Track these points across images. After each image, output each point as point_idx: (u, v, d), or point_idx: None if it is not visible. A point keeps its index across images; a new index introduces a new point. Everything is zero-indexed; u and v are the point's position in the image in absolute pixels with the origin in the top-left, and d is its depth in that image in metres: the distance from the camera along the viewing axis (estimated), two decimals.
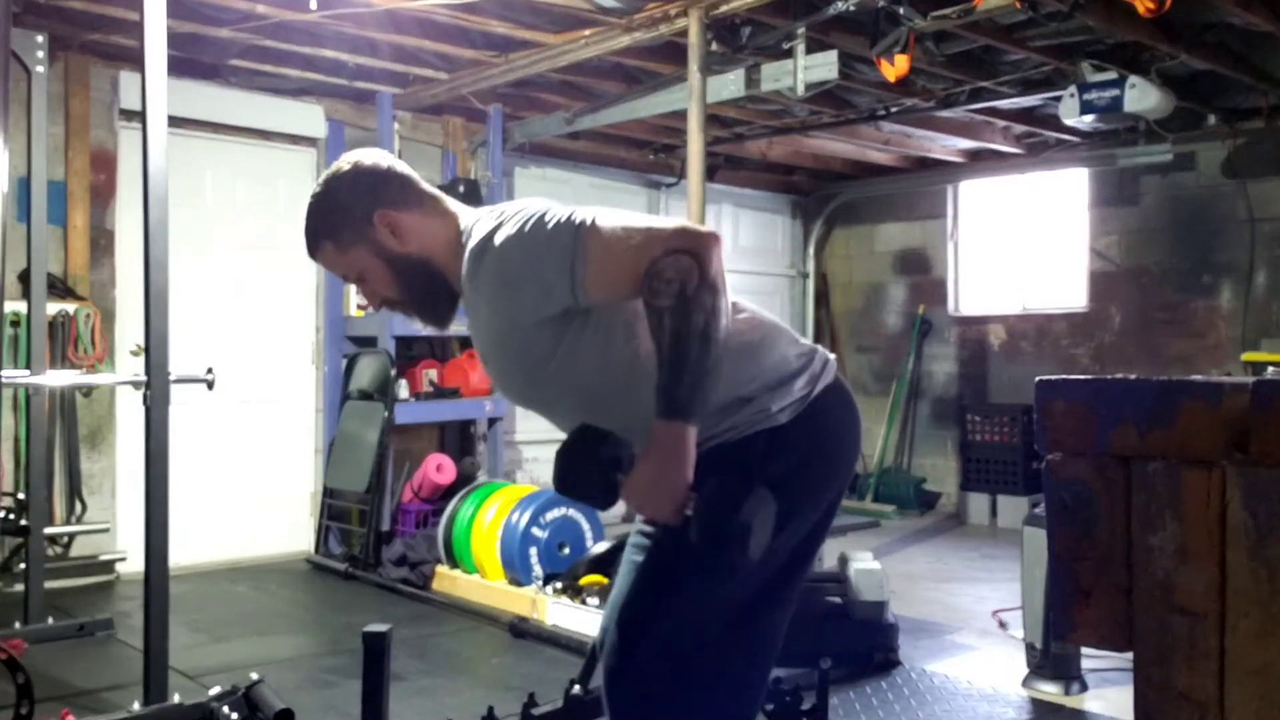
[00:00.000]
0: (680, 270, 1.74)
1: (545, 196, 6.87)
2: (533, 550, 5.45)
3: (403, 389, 6.60)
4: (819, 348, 2.09)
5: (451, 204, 2.08)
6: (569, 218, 1.84)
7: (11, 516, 3.46)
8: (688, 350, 1.72)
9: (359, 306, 6.82)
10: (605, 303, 1.86)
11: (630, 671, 1.95)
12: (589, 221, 1.82)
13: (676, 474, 1.74)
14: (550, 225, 1.83)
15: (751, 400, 1.94)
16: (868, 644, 4.57)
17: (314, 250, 2.06)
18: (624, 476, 1.78)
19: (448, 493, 6.39)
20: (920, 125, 7.65)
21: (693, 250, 1.75)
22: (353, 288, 6.78)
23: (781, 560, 1.97)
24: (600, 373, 1.92)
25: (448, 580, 5.83)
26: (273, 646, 4.89)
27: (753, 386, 1.94)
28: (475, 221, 1.99)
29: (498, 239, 1.86)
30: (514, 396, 2.10)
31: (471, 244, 1.92)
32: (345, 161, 2.06)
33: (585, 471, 1.80)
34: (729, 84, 5.66)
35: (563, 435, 2.10)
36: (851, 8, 4.96)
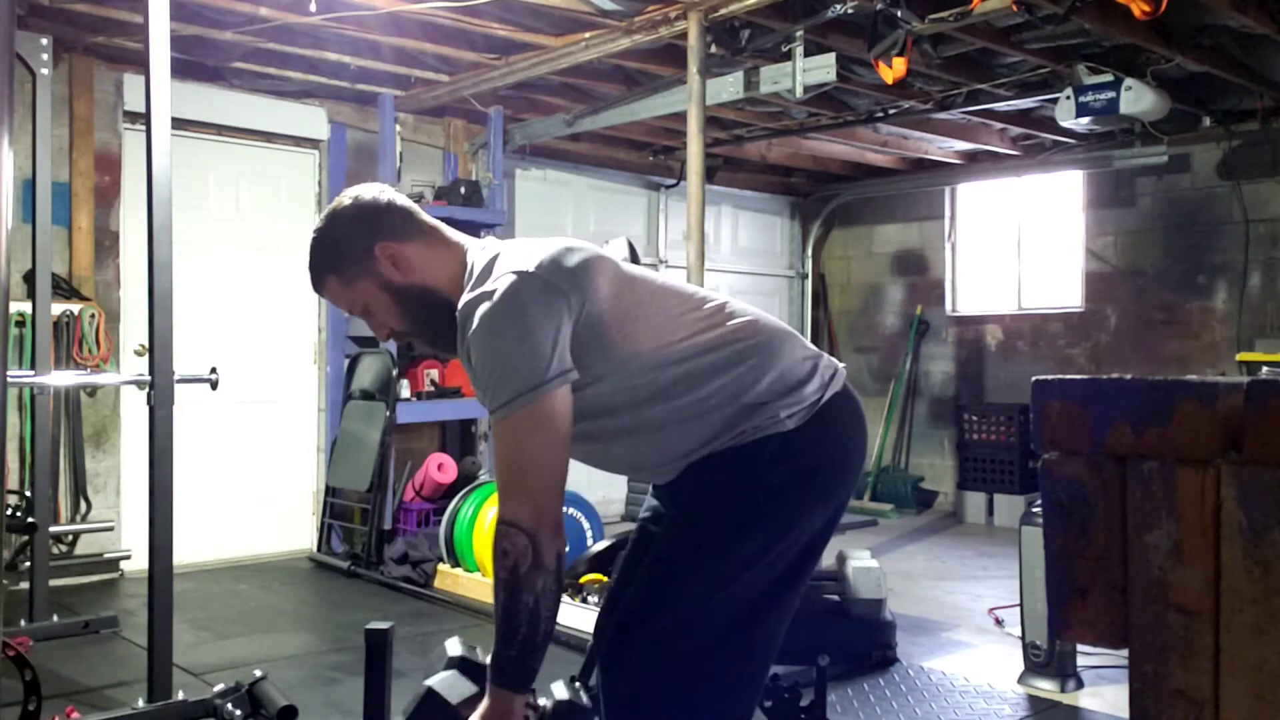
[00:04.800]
0: (516, 548, 1.81)
1: (545, 199, 6.83)
2: None
3: (404, 389, 6.61)
4: (824, 354, 2.11)
5: (454, 235, 2.10)
6: (528, 368, 1.83)
7: (19, 514, 3.47)
8: (517, 626, 1.82)
9: None
10: None
11: (628, 670, 1.97)
12: (531, 402, 1.83)
13: None
14: (514, 353, 1.84)
15: (763, 406, 1.95)
16: (866, 641, 4.59)
17: (319, 285, 2.08)
18: None
19: (449, 491, 6.41)
20: (918, 127, 7.67)
21: (531, 535, 1.81)
22: None
23: (785, 565, 1.99)
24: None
25: (449, 578, 5.86)
26: (276, 644, 4.90)
27: (759, 392, 1.95)
28: (476, 261, 2.01)
29: (476, 319, 1.87)
30: None
31: (465, 296, 1.93)
32: (346, 196, 2.08)
33: None
34: (728, 86, 5.67)
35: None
36: (849, 10, 4.98)
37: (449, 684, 1.97)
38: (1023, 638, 4.39)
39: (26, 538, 4.73)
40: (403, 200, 2.09)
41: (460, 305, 1.93)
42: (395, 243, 2.02)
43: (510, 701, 1.85)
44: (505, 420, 1.84)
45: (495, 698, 1.85)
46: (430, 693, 1.95)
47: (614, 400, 1.96)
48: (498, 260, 1.96)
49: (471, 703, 1.92)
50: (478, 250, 2.06)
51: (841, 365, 2.12)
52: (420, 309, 2.05)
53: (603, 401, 1.95)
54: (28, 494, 3.99)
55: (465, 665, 1.99)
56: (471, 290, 1.92)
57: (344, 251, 2.03)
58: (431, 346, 2.14)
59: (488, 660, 1.93)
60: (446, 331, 2.02)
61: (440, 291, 2.03)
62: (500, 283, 1.88)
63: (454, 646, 2.03)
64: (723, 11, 5.14)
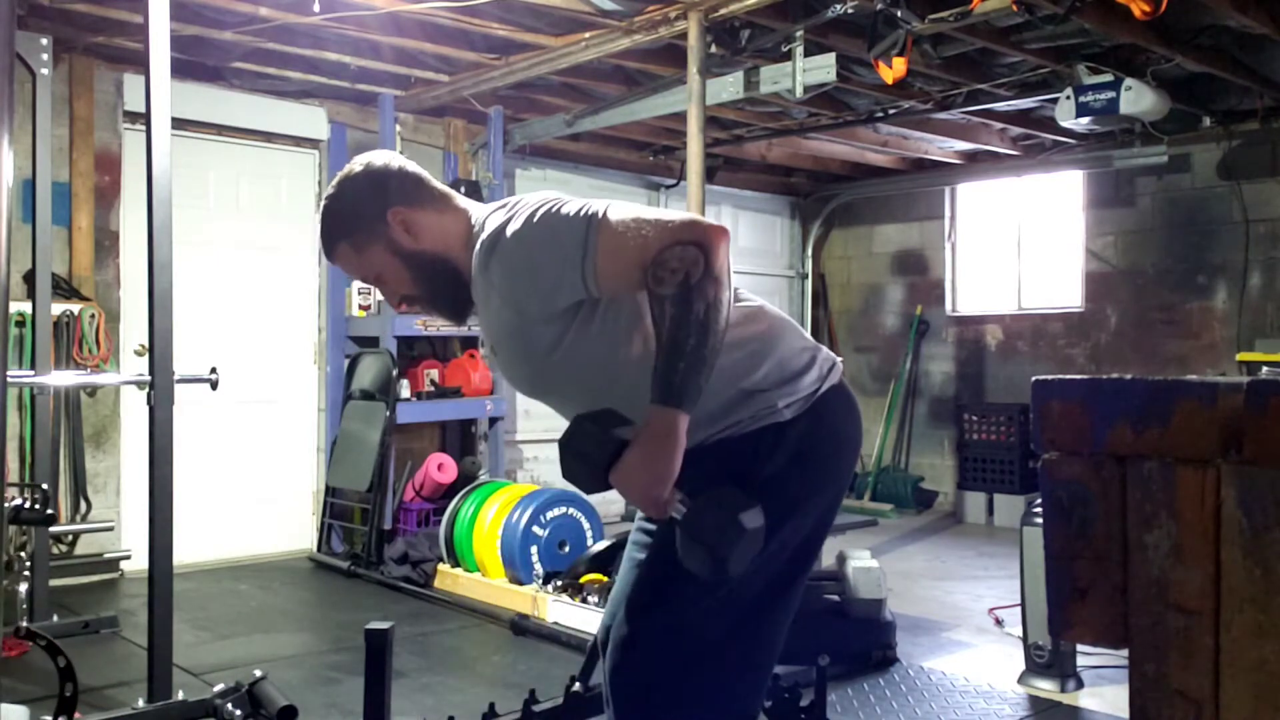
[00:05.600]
0: (685, 260, 1.75)
1: None
2: (533, 549, 5.47)
3: (404, 388, 6.62)
4: (823, 347, 2.11)
5: (462, 200, 2.10)
6: (581, 210, 1.86)
7: (36, 507, 3.47)
8: (686, 337, 1.72)
9: (360, 307, 6.83)
10: (615, 292, 1.87)
11: (633, 669, 1.96)
12: (600, 213, 1.84)
13: (663, 461, 1.74)
14: (563, 216, 1.86)
15: (759, 394, 1.95)
16: (865, 641, 4.60)
17: (331, 252, 2.08)
18: None
19: (449, 491, 6.41)
20: (918, 127, 7.67)
21: (699, 242, 1.77)
22: (355, 287, 6.80)
23: (784, 559, 1.98)
24: (604, 365, 1.94)
25: (449, 578, 5.86)
26: (276, 644, 4.91)
27: (756, 379, 1.95)
28: (487, 215, 2.01)
29: (510, 230, 1.88)
30: (521, 386, 2.11)
31: (483, 236, 1.93)
32: (357, 163, 2.08)
33: (588, 452, 1.78)
34: (728, 86, 5.68)
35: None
36: (850, 10, 4.98)
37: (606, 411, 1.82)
38: (1025, 639, 4.38)
39: (26, 537, 4.73)
40: (413, 166, 2.10)
41: (480, 243, 1.93)
42: (407, 208, 2.02)
43: (676, 417, 1.73)
44: (600, 240, 1.82)
45: (661, 415, 1.73)
46: (596, 414, 1.79)
47: (619, 371, 1.93)
48: (510, 205, 1.97)
49: (624, 428, 1.78)
50: (483, 210, 2.06)
51: (839, 359, 2.11)
52: (432, 274, 2.05)
53: (605, 363, 1.93)
54: (44, 486, 3.98)
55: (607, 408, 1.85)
56: (491, 229, 1.92)
57: (356, 218, 2.03)
58: (441, 312, 2.13)
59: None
60: (459, 295, 2.03)
61: (452, 256, 2.03)
62: (523, 212, 1.90)
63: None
64: (723, 11, 5.14)
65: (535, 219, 1.87)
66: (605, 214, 1.84)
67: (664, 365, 1.74)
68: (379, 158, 2.09)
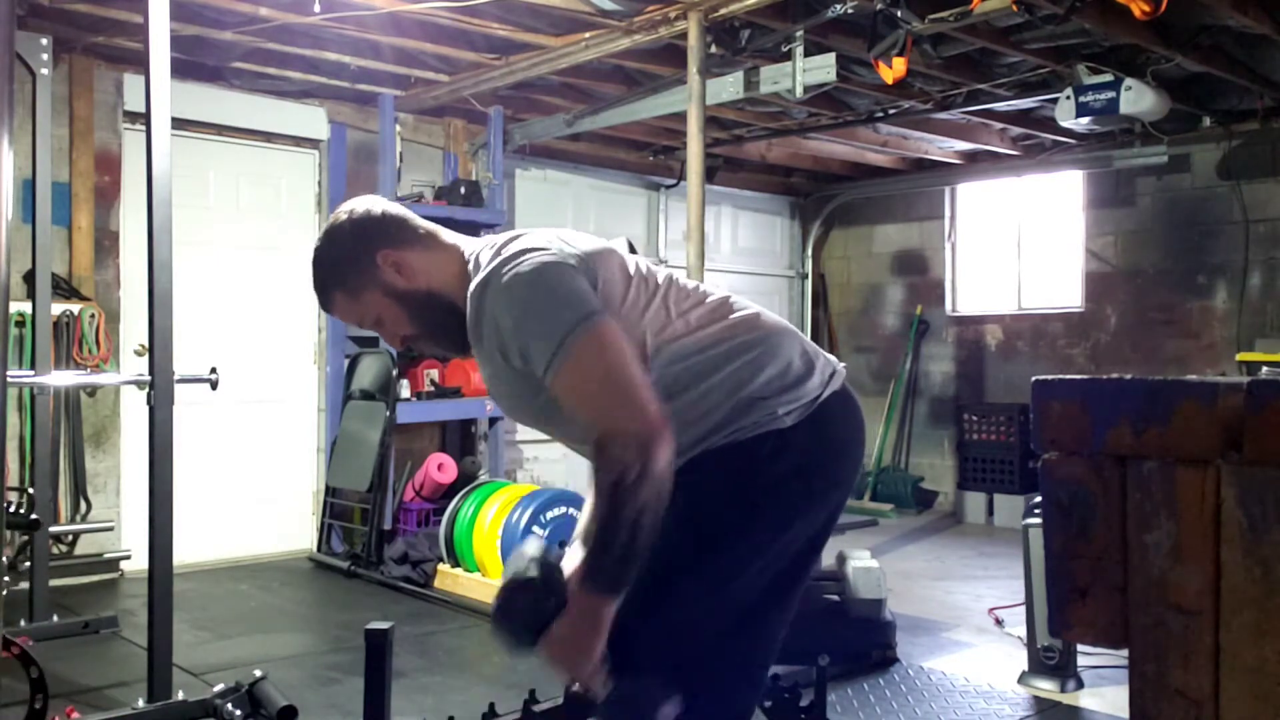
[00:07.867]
0: (625, 459, 1.74)
1: (545, 199, 6.82)
2: None
3: (404, 388, 6.62)
4: (824, 353, 2.11)
5: (450, 236, 2.12)
6: (571, 306, 1.82)
7: (22, 511, 3.47)
8: (616, 535, 1.75)
9: None
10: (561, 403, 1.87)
11: (627, 669, 1.97)
12: (588, 330, 1.80)
13: (586, 643, 1.80)
14: (550, 301, 1.83)
15: (761, 401, 1.94)
16: (865, 641, 4.60)
17: (327, 303, 2.10)
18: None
19: (449, 491, 6.41)
20: (918, 127, 7.67)
21: (643, 442, 1.75)
22: None
23: (785, 563, 1.98)
24: None
25: (449, 578, 5.86)
26: (276, 644, 4.90)
27: (757, 386, 1.95)
28: (478, 251, 2.02)
29: (497, 287, 1.87)
30: (520, 419, 2.15)
31: (474, 280, 1.93)
32: (341, 213, 2.10)
33: (518, 622, 1.85)
34: (728, 86, 5.68)
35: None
36: (849, 10, 4.98)
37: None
38: (1032, 640, 4.36)
39: (26, 537, 4.73)
40: (396, 209, 2.12)
41: (471, 288, 1.93)
42: (395, 250, 2.04)
43: (604, 604, 1.79)
44: (567, 358, 1.79)
45: (588, 600, 1.79)
46: (528, 582, 1.83)
47: None
48: (505, 245, 1.97)
49: (554, 600, 1.84)
50: (477, 245, 2.07)
51: (841, 365, 2.12)
52: (428, 312, 2.06)
53: None
54: (30, 490, 3.98)
55: (547, 567, 1.88)
56: (482, 272, 1.92)
57: (347, 265, 2.05)
58: (442, 348, 2.15)
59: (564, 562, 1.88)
60: (455, 331, 2.03)
61: (446, 292, 2.04)
62: (515, 259, 1.89)
63: (533, 547, 1.95)
64: (723, 11, 5.14)
65: (523, 283, 1.85)
66: (591, 335, 1.80)
67: (595, 556, 1.79)
68: (361, 204, 2.10)
